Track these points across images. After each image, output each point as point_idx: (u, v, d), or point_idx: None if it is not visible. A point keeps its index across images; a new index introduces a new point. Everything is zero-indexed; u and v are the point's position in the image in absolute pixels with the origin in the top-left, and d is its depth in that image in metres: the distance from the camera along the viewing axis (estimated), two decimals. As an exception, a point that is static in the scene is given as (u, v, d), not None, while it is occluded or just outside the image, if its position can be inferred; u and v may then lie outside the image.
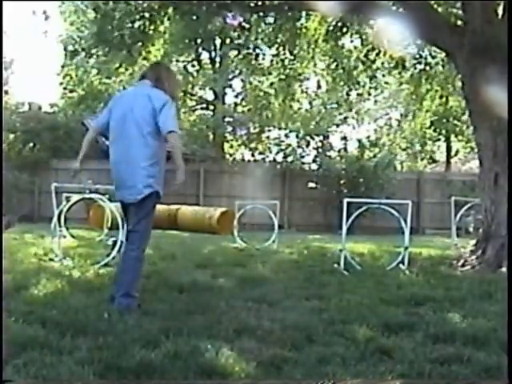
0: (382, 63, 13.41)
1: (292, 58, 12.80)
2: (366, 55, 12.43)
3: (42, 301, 4.31)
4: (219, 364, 2.93)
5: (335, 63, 13.55)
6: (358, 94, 18.83)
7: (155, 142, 4.27)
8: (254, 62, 14.50)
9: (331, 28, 11.34)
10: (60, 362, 2.87)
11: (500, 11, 7.98)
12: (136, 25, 10.13)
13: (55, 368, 2.79)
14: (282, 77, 13.91)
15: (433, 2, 9.45)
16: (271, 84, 17.00)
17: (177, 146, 4.29)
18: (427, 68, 12.81)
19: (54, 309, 4.00)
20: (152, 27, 10.65)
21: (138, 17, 10.08)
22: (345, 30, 11.28)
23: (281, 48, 12.30)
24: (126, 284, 4.25)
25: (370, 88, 16.30)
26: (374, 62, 12.67)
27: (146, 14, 10.18)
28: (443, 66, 12.36)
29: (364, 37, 12.19)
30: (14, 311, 3.85)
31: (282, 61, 12.98)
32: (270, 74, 15.38)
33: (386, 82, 19.82)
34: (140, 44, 10.71)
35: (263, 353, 3.12)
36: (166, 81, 4.48)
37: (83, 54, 10.76)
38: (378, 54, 12.34)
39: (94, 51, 10.80)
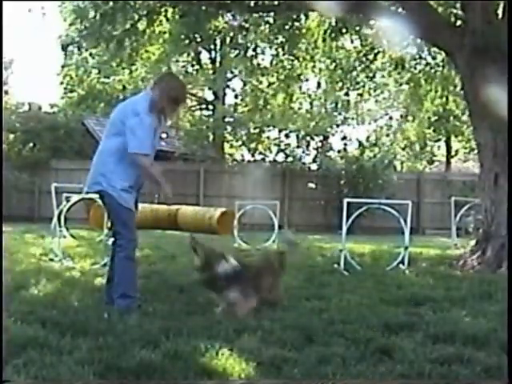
0: (382, 63, 13.42)
1: (291, 58, 12.80)
2: (365, 55, 12.43)
3: (42, 301, 4.31)
4: (219, 364, 2.93)
5: (334, 64, 13.55)
6: (358, 95, 18.86)
7: (117, 143, 4.29)
8: (253, 61, 14.50)
9: (330, 28, 11.33)
10: (60, 361, 2.87)
11: (500, 12, 7.98)
12: (134, 24, 10.11)
13: (55, 368, 2.79)
14: (282, 77, 13.91)
15: (433, 2, 9.45)
16: (269, 84, 17.00)
17: (142, 166, 4.28)
18: (427, 68, 12.81)
19: (53, 309, 4.00)
20: (151, 27, 10.65)
21: (136, 16, 10.06)
22: (344, 30, 11.26)
23: (280, 48, 12.29)
24: (121, 285, 4.26)
25: (369, 89, 16.32)
26: (372, 62, 12.67)
27: (145, 14, 10.17)
28: (443, 67, 12.35)
29: (363, 37, 12.19)
30: (14, 311, 3.86)
31: (282, 61, 12.98)
32: (268, 74, 15.38)
33: (386, 84, 19.84)
34: (138, 43, 10.70)
35: (263, 353, 3.12)
36: (158, 87, 4.40)
37: (80, 51, 10.73)
38: (376, 55, 12.34)
39: (91, 50, 10.78)
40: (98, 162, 4.38)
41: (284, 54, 12.59)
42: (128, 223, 4.35)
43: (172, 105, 4.49)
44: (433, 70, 12.78)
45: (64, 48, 10.77)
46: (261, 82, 19.11)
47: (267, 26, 11.55)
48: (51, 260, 6.99)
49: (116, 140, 4.30)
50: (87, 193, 4.53)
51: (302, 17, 11.26)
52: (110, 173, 4.28)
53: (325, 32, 11.67)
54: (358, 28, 11.59)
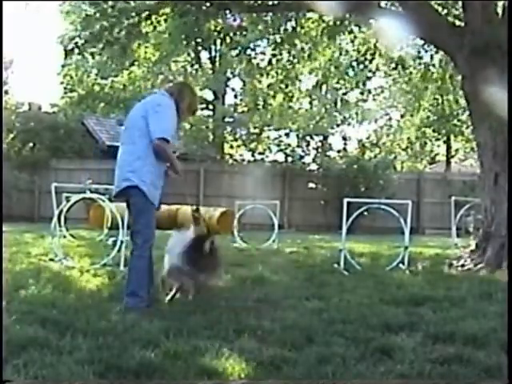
0: (381, 62, 13.41)
1: (290, 57, 12.77)
2: (363, 55, 12.42)
3: (41, 301, 4.31)
4: (219, 364, 2.93)
5: (334, 63, 13.55)
6: (361, 93, 18.87)
7: (142, 139, 4.36)
8: (252, 61, 14.48)
9: (329, 28, 11.31)
10: (60, 361, 2.87)
11: (500, 11, 7.98)
12: (133, 24, 10.08)
13: (55, 368, 2.78)
14: (280, 77, 13.88)
15: (433, 2, 9.45)
16: (269, 85, 16.98)
17: (163, 151, 4.34)
18: (426, 68, 12.81)
19: (53, 309, 4.00)
20: (151, 28, 10.64)
21: (134, 14, 10.03)
22: (343, 30, 11.25)
23: (278, 48, 12.26)
24: (131, 283, 4.31)
25: (363, 84, 16.28)
26: (371, 61, 12.67)
27: (143, 14, 10.14)
28: (442, 67, 12.36)
29: (362, 37, 12.19)
30: (14, 311, 3.86)
31: (280, 61, 12.95)
32: (268, 74, 15.35)
33: (381, 86, 19.84)
34: (136, 43, 10.68)
35: (263, 353, 3.12)
36: (179, 94, 4.57)
37: (78, 51, 10.68)
38: (374, 54, 12.33)
39: (89, 50, 10.72)
40: (124, 163, 4.40)
41: (281, 54, 12.55)
42: (150, 222, 4.40)
43: (187, 114, 4.73)
44: (432, 70, 12.78)
45: (67, 53, 10.74)
46: (260, 82, 19.11)
47: (266, 25, 11.52)
48: (51, 260, 6.98)
49: (141, 140, 4.34)
50: (117, 194, 4.50)
51: (301, 16, 11.24)
52: (139, 168, 4.32)
53: (323, 31, 11.66)
54: (356, 27, 11.59)
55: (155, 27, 10.79)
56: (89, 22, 10.17)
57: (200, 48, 21.05)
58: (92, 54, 11.42)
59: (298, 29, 11.49)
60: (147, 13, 10.14)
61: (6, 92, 21.66)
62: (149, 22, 10.40)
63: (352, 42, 12.40)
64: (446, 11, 10.04)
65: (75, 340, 3.26)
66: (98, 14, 9.97)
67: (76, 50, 10.49)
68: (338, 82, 15.64)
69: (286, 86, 14.62)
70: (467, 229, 13.06)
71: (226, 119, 21.26)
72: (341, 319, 3.95)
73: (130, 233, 4.58)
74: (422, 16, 8.03)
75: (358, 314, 4.14)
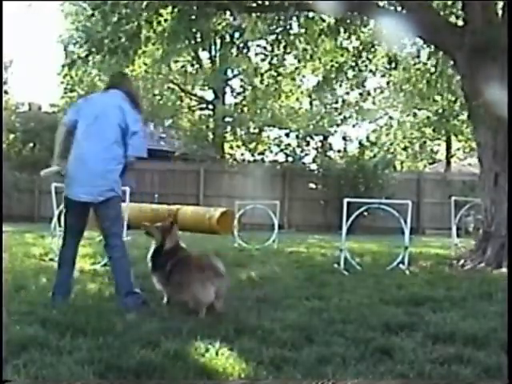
0: (382, 62, 13.40)
1: (290, 57, 12.77)
2: (364, 50, 12.39)
3: (41, 301, 4.31)
4: (219, 364, 2.93)
5: (334, 63, 13.54)
6: (360, 94, 18.85)
7: (120, 149, 4.34)
8: (251, 61, 14.48)
9: (328, 28, 11.30)
10: (60, 361, 2.87)
11: (500, 11, 7.99)
12: (137, 31, 10.07)
13: (55, 368, 2.78)
14: (280, 77, 13.88)
15: (432, 1, 9.45)
16: (261, 81, 16.97)
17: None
18: (425, 67, 12.81)
19: (54, 309, 4.00)
20: (151, 28, 10.63)
21: (134, 19, 10.02)
22: (343, 30, 11.24)
23: (277, 48, 12.25)
24: (123, 284, 4.31)
25: (362, 84, 16.22)
26: (371, 61, 12.67)
27: (144, 16, 10.13)
28: (442, 66, 12.35)
29: (363, 37, 12.18)
30: (14, 311, 3.86)
31: (279, 60, 12.95)
32: (270, 76, 15.37)
33: (381, 86, 19.78)
34: (136, 44, 10.66)
35: (263, 353, 3.12)
36: (137, 95, 4.65)
37: (81, 62, 10.65)
38: (374, 55, 12.32)
39: (91, 60, 10.70)
40: (100, 163, 4.27)
41: (280, 49, 12.53)
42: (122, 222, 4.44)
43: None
44: (431, 70, 12.78)
45: (70, 66, 10.69)
46: (259, 81, 19.11)
47: (265, 25, 11.51)
48: (51, 260, 6.98)
49: (119, 146, 4.33)
50: (100, 200, 4.31)
51: (301, 16, 11.24)
52: (116, 173, 4.36)
53: (323, 32, 11.64)
54: (357, 27, 11.57)
55: (155, 29, 10.77)
56: (89, 33, 10.17)
57: (200, 48, 21.04)
58: (95, 63, 11.40)
59: (298, 29, 11.48)
60: (147, 14, 10.14)
61: (6, 92, 21.64)
62: (149, 24, 10.39)
63: (352, 42, 12.37)
64: (446, 11, 10.04)
65: (75, 340, 3.25)
66: (99, 16, 9.97)
67: (79, 61, 10.49)
68: (337, 82, 15.63)
69: (278, 84, 14.61)
70: (467, 229, 13.08)
71: (226, 119, 21.26)
72: (341, 319, 3.95)
73: (106, 236, 4.41)
74: (423, 16, 8.03)
75: (358, 314, 4.14)
